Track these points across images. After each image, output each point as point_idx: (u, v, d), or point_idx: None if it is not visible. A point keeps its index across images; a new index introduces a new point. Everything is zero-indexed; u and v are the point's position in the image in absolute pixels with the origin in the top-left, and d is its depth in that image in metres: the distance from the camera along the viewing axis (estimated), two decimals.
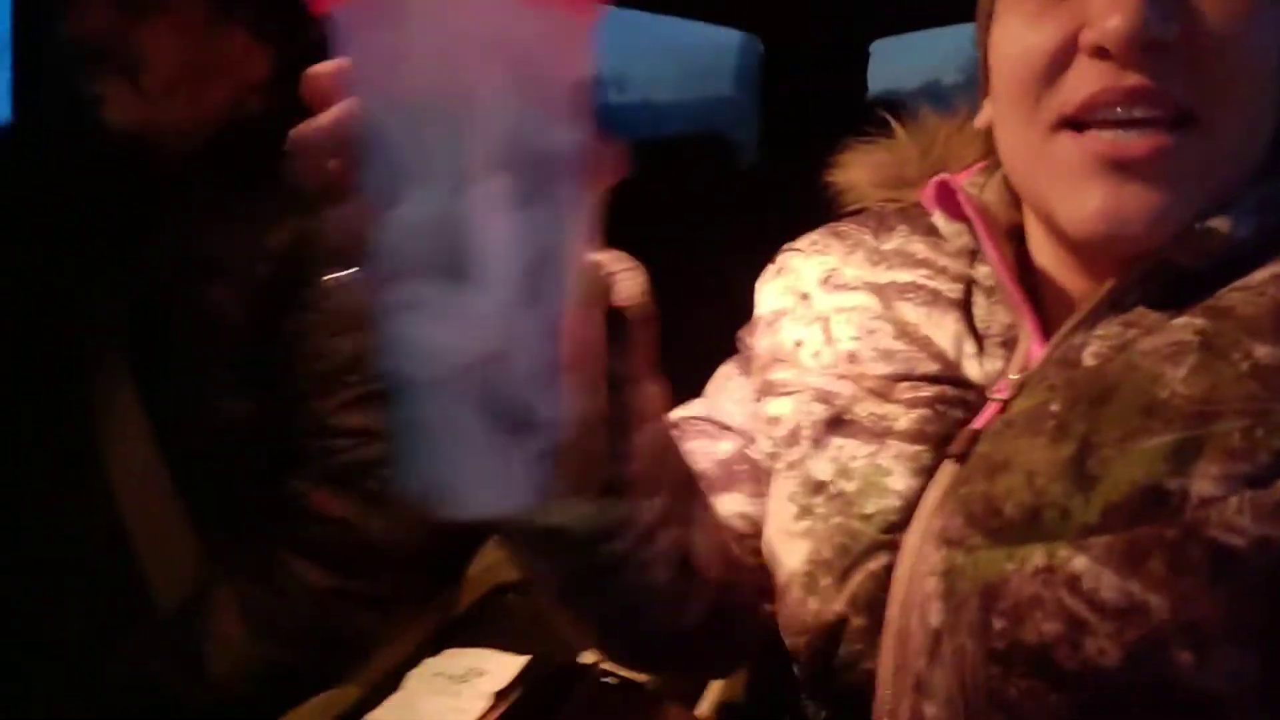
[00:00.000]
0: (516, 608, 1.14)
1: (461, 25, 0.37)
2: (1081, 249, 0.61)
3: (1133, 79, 0.53)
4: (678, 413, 0.77)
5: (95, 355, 1.13)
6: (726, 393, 0.77)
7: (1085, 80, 0.55)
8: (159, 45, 1.08)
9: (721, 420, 0.76)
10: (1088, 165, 0.56)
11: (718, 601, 0.67)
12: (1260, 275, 0.55)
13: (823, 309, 0.71)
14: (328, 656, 1.04)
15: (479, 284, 0.39)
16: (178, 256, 1.10)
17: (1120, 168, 0.55)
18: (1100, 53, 0.54)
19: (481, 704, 0.90)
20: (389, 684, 0.96)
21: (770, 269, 0.78)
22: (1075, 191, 0.57)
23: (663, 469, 0.60)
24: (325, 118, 0.41)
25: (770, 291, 0.77)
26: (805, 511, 0.66)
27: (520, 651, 0.97)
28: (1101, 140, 0.55)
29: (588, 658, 0.84)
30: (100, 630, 1.07)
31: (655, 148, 2.75)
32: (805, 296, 0.73)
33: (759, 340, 0.75)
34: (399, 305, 0.40)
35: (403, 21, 0.37)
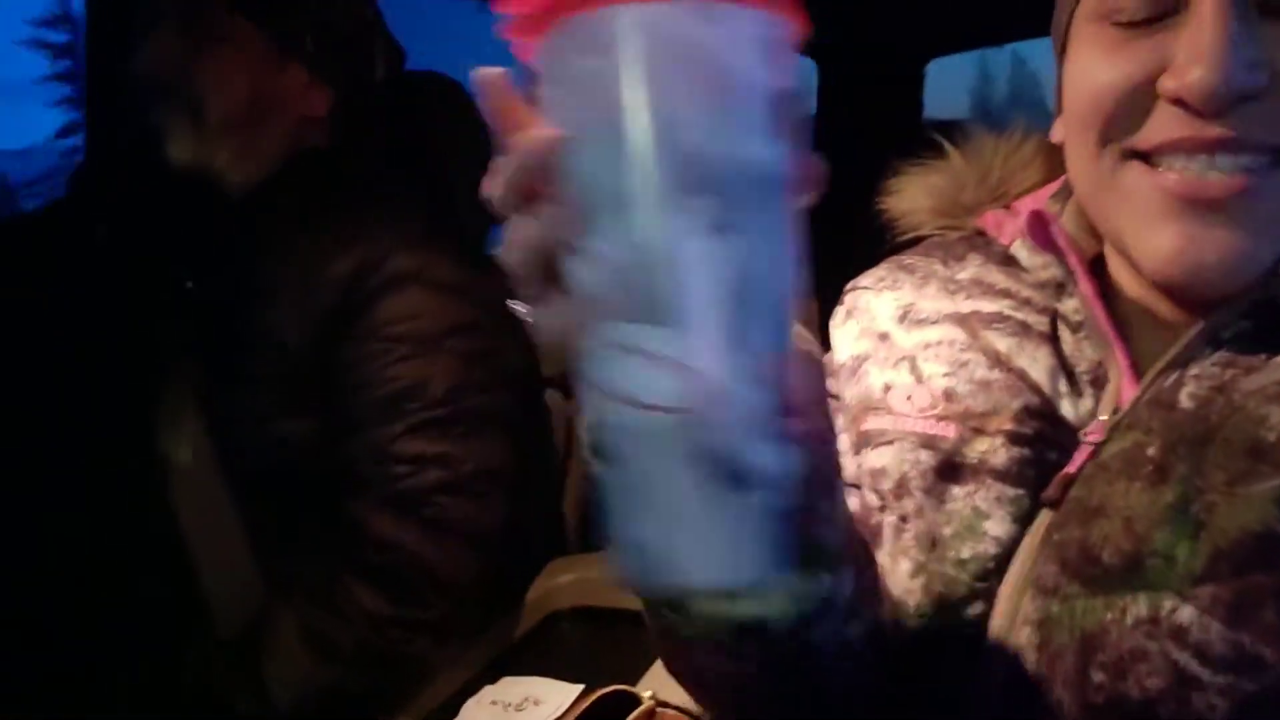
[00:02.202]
0: (572, 636, 1.14)
1: (655, 43, 0.36)
2: (1164, 286, 0.59)
3: (1215, 130, 0.51)
4: None
5: (162, 379, 1.16)
6: None
7: (1164, 127, 0.52)
8: (220, 82, 1.11)
9: None
10: (1162, 203, 0.53)
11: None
12: None
13: (906, 347, 0.67)
14: (385, 680, 1.05)
15: (683, 323, 0.36)
16: (244, 282, 1.13)
17: (1196, 207, 0.52)
18: (1181, 102, 0.51)
19: None
20: (447, 711, 0.97)
21: (839, 311, 0.74)
22: (1149, 230, 0.54)
23: (851, 536, 0.56)
24: (524, 141, 0.39)
25: (845, 336, 0.72)
26: (921, 568, 0.62)
27: (575, 680, 0.97)
28: (1177, 178, 0.52)
29: (642, 686, 0.84)
30: (163, 651, 1.09)
31: None
32: (884, 337, 0.69)
33: (844, 389, 0.71)
34: (600, 349, 0.37)
35: (595, 45, 0.36)
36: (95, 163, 1.48)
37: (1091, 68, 0.56)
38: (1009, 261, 0.68)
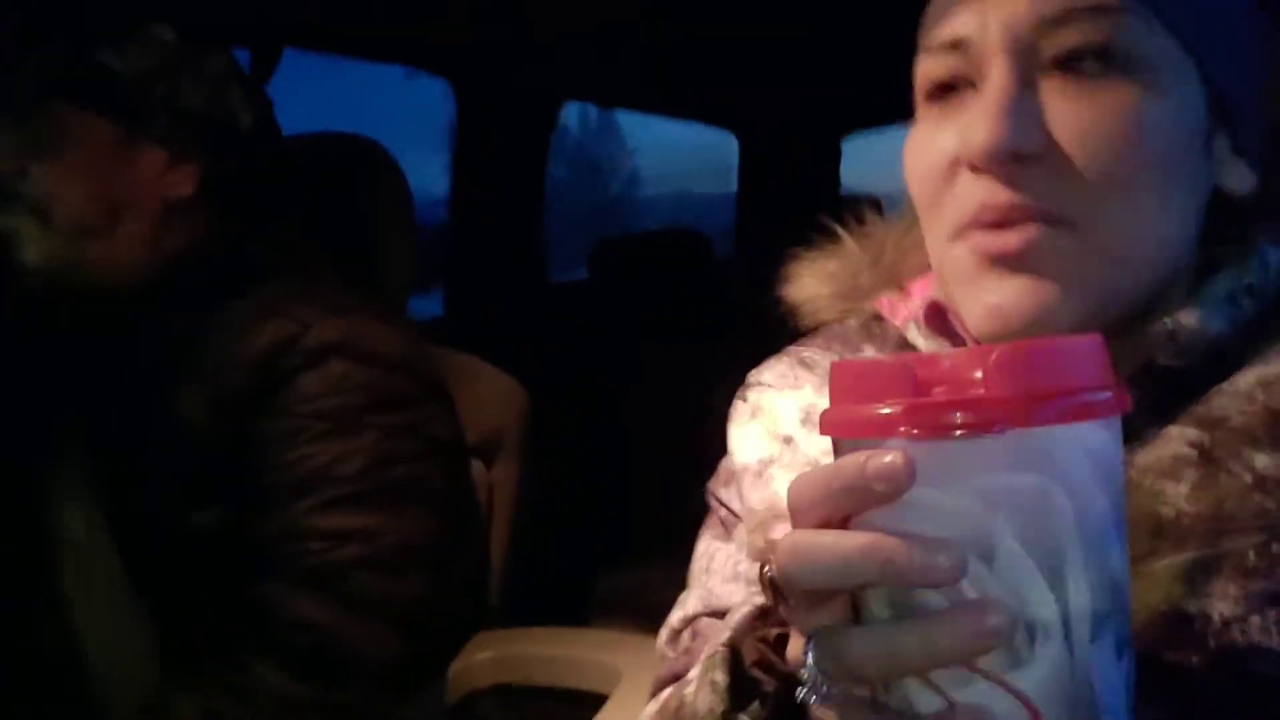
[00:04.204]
0: (491, 714, 1.10)
1: (1092, 462, 0.37)
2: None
3: (1004, 194, 0.54)
4: (677, 617, 0.72)
5: (55, 464, 1.09)
6: (716, 574, 0.71)
7: (966, 195, 0.55)
8: (67, 182, 1.04)
9: (723, 607, 0.69)
10: (976, 265, 0.56)
11: None
12: (1247, 379, 0.54)
13: (811, 453, 0.66)
14: None
15: None
16: (148, 365, 1.08)
17: (1000, 263, 0.55)
18: (974, 168, 0.55)
19: None
20: None
21: (742, 409, 0.73)
22: (970, 293, 0.57)
23: None
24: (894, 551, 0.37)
25: (749, 436, 0.71)
26: None
27: None
28: (984, 239, 0.55)
29: None
30: None
31: (636, 243, 2.79)
32: (789, 440, 0.68)
33: (749, 493, 0.69)
34: None
35: (1028, 460, 0.37)
36: None
37: (915, 149, 0.60)
38: (902, 346, 0.68)
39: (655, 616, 0.74)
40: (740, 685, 0.53)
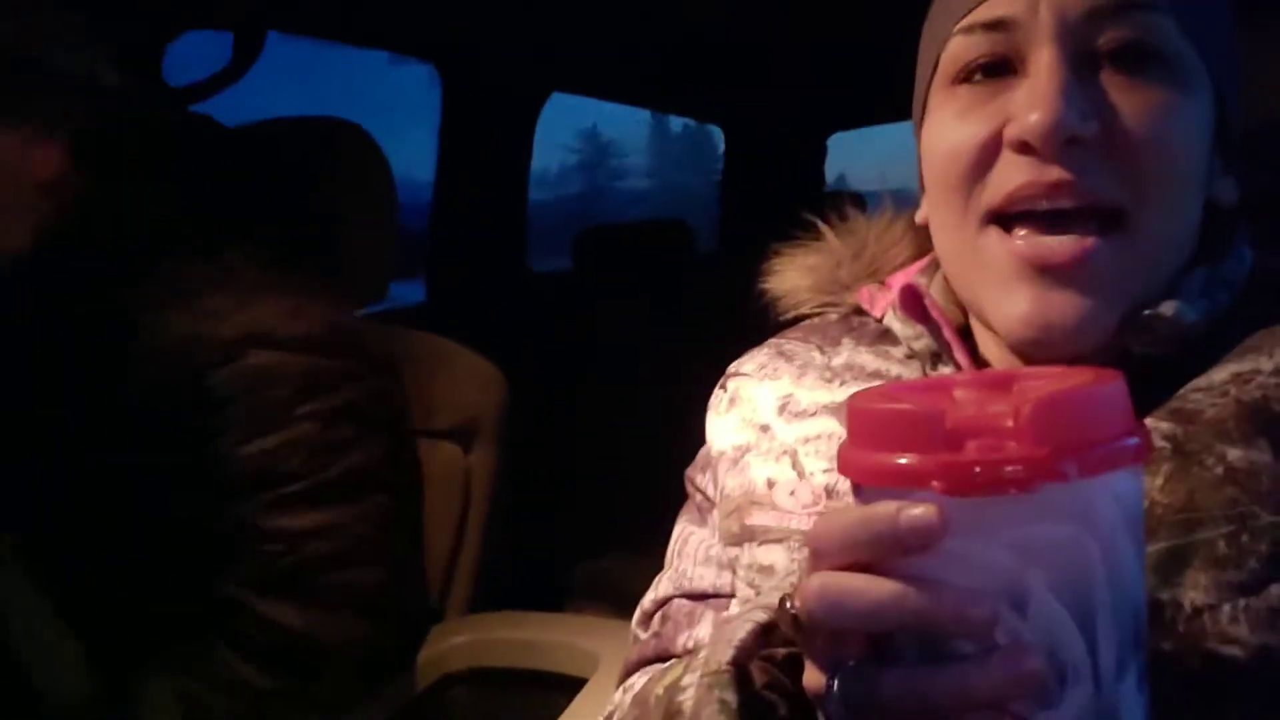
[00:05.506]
0: (466, 698, 1.10)
1: (1122, 510, 0.38)
2: (1021, 350, 0.60)
3: (1054, 173, 0.54)
4: (649, 599, 0.73)
5: None
6: (689, 556, 0.72)
7: (1010, 175, 0.55)
8: None
9: (695, 590, 0.71)
10: (1014, 269, 0.56)
11: None
12: (1220, 375, 0.55)
13: (787, 441, 0.67)
14: None
15: None
16: (47, 361, 1.02)
17: (1045, 272, 0.55)
18: (1023, 147, 0.55)
19: None
20: None
21: (720, 397, 0.74)
22: (1004, 295, 0.57)
23: None
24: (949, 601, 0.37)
25: (727, 425, 0.72)
26: None
27: None
28: (1027, 243, 0.55)
29: None
30: None
31: (621, 232, 2.79)
32: (766, 429, 0.69)
33: (725, 479, 0.70)
34: None
35: (1065, 512, 0.37)
36: None
37: (945, 131, 0.59)
38: (880, 338, 0.69)
39: (633, 602, 0.75)
40: (749, 705, 0.53)
